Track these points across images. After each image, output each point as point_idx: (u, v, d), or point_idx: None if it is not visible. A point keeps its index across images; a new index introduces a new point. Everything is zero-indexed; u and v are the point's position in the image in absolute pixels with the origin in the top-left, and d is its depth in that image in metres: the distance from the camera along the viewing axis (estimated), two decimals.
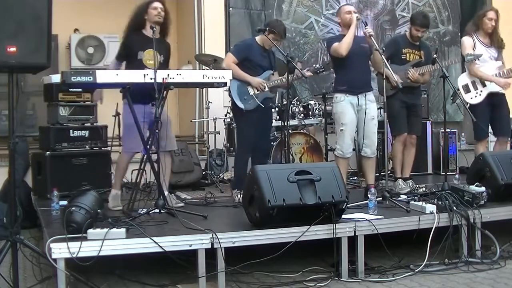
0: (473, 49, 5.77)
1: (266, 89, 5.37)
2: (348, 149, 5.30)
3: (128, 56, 4.93)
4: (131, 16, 4.99)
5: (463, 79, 5.90)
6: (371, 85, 5.43)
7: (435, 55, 5.47)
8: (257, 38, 5.45)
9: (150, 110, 4.63)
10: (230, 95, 5.40)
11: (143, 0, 5.02)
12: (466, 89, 5.83)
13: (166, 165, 4.93)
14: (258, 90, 5.33)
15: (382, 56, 5.02)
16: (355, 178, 6.72)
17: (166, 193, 4.74)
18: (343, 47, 5.15)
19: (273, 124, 6.63)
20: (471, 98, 5.80)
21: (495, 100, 5.83)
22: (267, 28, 5.27)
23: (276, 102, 6.74)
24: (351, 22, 5.20)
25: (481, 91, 5.79)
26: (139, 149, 4.79)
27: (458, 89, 5.83)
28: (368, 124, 5.24)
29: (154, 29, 4.71)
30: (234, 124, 6.23)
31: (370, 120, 5.26)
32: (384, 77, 4.98)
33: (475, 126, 5.77)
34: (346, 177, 5.54)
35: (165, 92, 4.48)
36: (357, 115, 5.26)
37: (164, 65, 5.03)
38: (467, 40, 5.86)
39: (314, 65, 5.69)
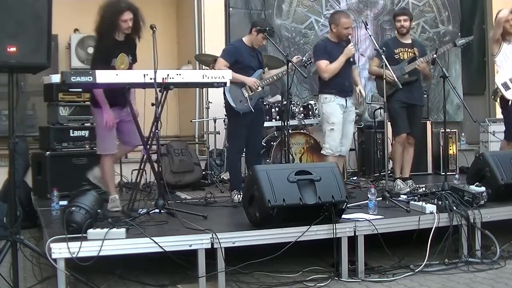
0: None
1: (260, 88, 5.41)
2: (337, 147, 5.48)
3: (104, 63, 4.74)
4: (101, 23, 4.77)
5: (501, 77, 5.85)
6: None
7: (435, 55, 5.49)
8: (245, 39, 5.46)
9: (119, 111, 4.77)
10: (225, 98, 5.41)
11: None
12: (506, 86, 5.80)
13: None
14: (252, 91, 5.33)
15: (382, 56, 5.04)
16: (355, 178, 6.71)
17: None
18: (328, 72, 5.38)
19: (273, 124, 6.66)
20: None
21: None
22: (257, 28, 5.30)
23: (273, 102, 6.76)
24: (346, 38, 5.38)
25: None
26: (115, 149, 4.85)
27: (497, 87, 5.82)
28: (349, 126, 5.57)
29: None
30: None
31: (350, 122, 5.60)
32: (384, 77, 4.99)
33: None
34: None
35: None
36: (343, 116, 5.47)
37: (132, 63, 4.93)
38: None
39: (301, 59, 5.63)
